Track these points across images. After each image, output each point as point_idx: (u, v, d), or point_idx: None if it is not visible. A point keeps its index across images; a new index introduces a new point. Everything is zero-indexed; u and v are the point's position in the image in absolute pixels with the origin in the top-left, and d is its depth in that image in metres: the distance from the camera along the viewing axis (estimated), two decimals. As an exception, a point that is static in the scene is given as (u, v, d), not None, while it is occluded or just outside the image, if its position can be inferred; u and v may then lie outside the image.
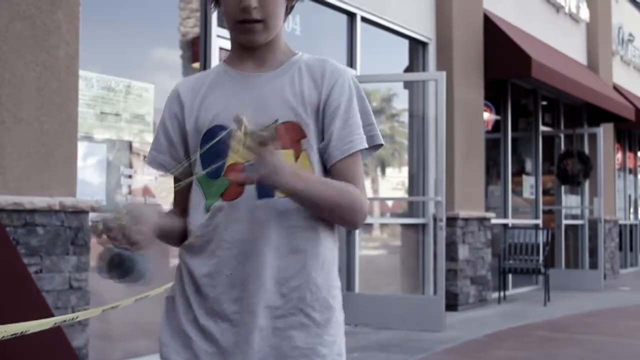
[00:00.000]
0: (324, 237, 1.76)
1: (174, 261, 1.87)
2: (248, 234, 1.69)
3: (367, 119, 1.79)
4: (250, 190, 1.69)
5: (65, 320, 3.06)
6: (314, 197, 1.67)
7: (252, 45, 1.77)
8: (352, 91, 1.78)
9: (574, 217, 13.74)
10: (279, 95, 1.74)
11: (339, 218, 1.74)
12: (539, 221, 12.11)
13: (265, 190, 1.69)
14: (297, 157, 1.72)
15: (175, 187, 1.83)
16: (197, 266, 1.73)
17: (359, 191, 1.74)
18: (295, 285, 1.71)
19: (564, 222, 13.15)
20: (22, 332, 2.68)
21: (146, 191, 5.84)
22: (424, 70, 9.37)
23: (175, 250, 1.84)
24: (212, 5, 1.82)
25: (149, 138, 5.91)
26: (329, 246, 1.77)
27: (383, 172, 9.42)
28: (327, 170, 1.76)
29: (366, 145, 1.77)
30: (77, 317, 3.11)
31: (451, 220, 8.96)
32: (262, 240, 1.69)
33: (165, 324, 1.78)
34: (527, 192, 12.22)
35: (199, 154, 1.75)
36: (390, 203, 9.56)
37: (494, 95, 10.95)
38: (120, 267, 1.60)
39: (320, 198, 1.68)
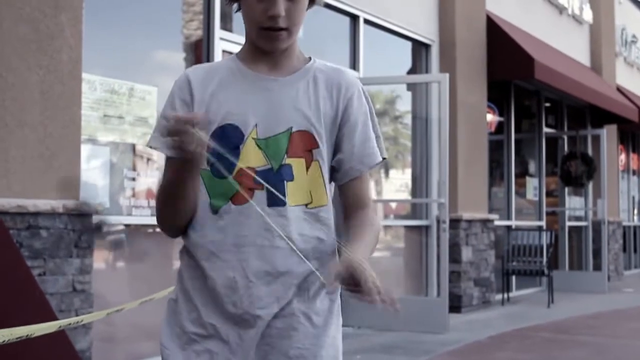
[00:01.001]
0: (329, 243, 1.77)
1: (178, 264, 1.87)
2: (256, 240, 1.69)
3: (376, 132, 1.82)
4: (260, 196, 1.69)
5: (70, 324, 3.07)
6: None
7: (272, 51, 1.76)
8: (367, 106, 1.80)
9: (578, 218, 13.72)
10: (294, 102, 1.74)
11: None
12: (543, 223, 12.10)
13: (275, 198, 1.69)
14: (308, 167, 1.72)
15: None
16: (204, 265, 1.72)
17: (372, 212, 1.79)
18: (298, 288, 1.73)
19: (568, 223, 13.12)
20: (27, 335, 2.69)
21: (150, 194, 5.85)
22: (427, 72, 9.37)
23: (178, 253, 1.84)
24: (227, 2, 1.79)
25: (152, 141, 5.91)
26: (332, 251, 1.79)
27: (386, 174, 9.42)
28: (340, 183, 1.79)
29: (380, 159, 1.79)
30: (82, 321, 3.13)
31: (454, 222, 8.96)
32: (269, 246, 1.69)
33: (166, 327, 1.78)
34: (531, 194, 12.21)
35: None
36: (393, 205, 9.56)
37: (497, 97, 10.95)
38: None
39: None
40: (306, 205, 1.72)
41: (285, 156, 1.70)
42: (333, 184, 1.81)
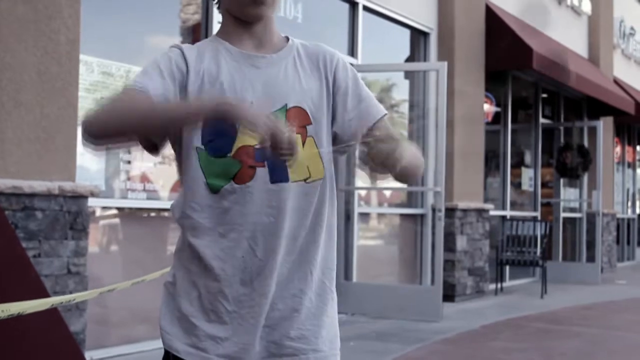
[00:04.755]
0: (327, 220, 1.78)
1: (172, 248, 1.85)
2: (262, 218, 1.69)
3: (368, 93, 1.84)
4: (262, 173, 1.68)
5: (62, 302, 3.06)
6: (411, 165, 1.70)
7: (256, 19, 1.76)
8: (352, 71, 1.84)
9: (572, 210, 13.75)
10: (284, 79, 1.75)
11: (413, 175, 1.78)
12: (537, 213, 12.12)
13: (278, 174, 1.69)
14: (303, 143, 1.73)
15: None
16: (205, 246, 1.71)
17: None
18: (298, 267, 1.74)
19: (562, 214, 13.15)
20: (19, 312, 2.67)
21: (145, 178, 5.83)
22: (425, 60, 9.35)
23: (172, 237, 1.83)
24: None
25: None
26: (329, 229, 1.79)
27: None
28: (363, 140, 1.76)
29: (385, 111, 1.80)
30: (74, 299, 3.12)
31: (449, 211, 8.96)
32: (275, 223, 1.69)
33: (165, 311, 1.77)
34: (526, 185, 12.22)
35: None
36: (388, 193, 9.55)
37: (494, 87, 10.94)
38: None
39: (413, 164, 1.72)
40: (305, 180, 1.73)
41: None
42: (329, 152, 1.79)
